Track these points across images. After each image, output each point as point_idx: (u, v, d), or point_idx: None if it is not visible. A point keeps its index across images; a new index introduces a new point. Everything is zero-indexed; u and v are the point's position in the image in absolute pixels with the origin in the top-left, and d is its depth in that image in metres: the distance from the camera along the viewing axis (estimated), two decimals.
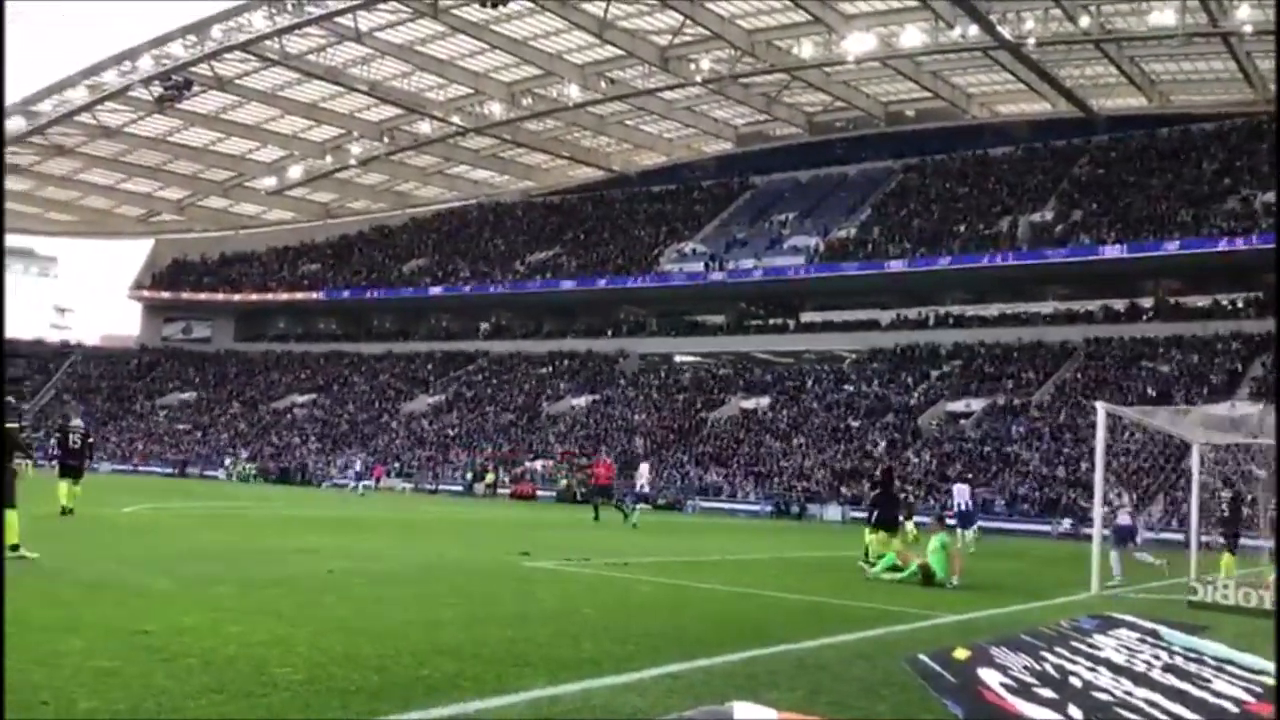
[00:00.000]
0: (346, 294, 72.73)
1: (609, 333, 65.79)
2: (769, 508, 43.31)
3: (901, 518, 14.51)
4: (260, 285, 77.19)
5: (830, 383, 53.75)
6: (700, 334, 62.68)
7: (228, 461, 57.09)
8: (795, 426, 49.85)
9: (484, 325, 73.08)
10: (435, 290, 68.97)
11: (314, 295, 73.85)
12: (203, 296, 77.67)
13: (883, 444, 46.04)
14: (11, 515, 10.15)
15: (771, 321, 62.01)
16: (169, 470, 57.58)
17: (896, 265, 53.22)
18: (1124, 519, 16.48)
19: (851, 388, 52.35)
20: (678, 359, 63.54)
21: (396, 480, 51.12)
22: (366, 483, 42.30)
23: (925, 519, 20.28)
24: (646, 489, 45.86)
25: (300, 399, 68.89)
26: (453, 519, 25.37)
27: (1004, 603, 11.39)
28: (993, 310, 54.60)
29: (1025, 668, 6.02)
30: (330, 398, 67.96)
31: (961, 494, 23.55)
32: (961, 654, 6.14)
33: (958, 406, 48.32)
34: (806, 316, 60.49)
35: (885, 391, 50.86)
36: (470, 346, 69.62)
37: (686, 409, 55.15)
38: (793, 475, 45.42)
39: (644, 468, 33.83)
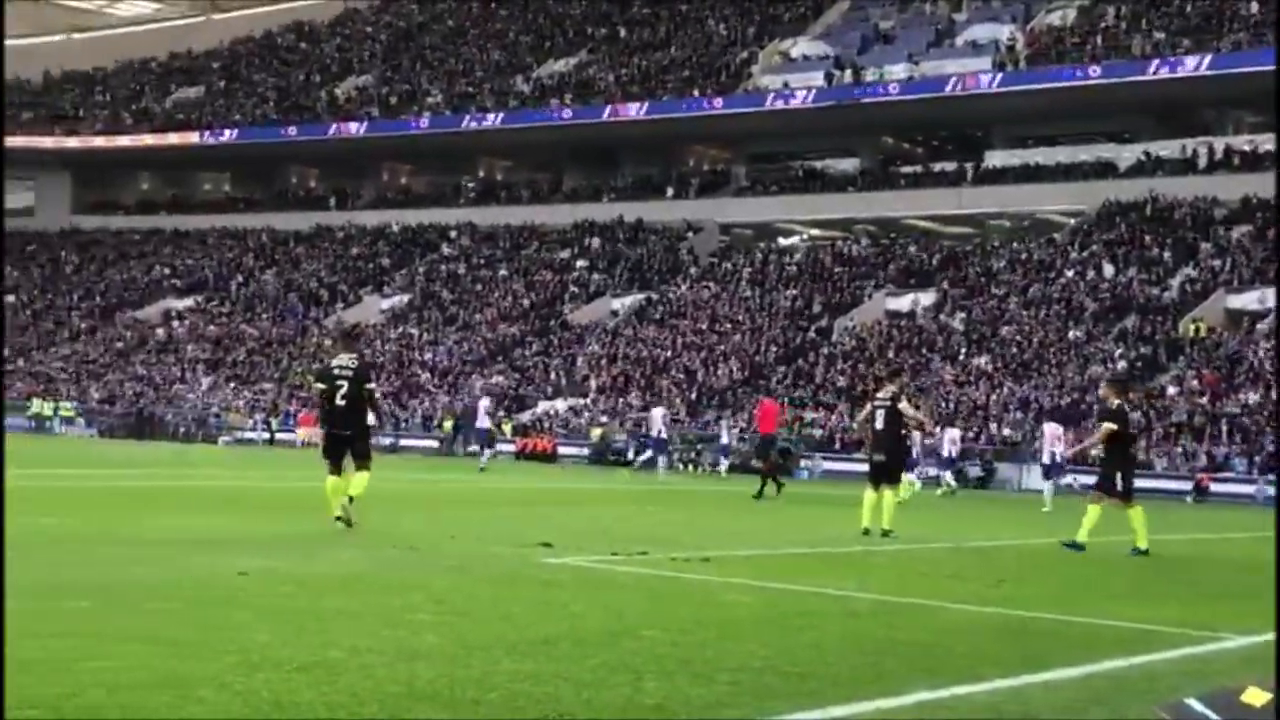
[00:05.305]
0: (244, 135, 72.97)
1: (669, 191, 65.48)
2: (933, 469, 43.33)
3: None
4: (110, 123, 77.65)
5: (1035, 266, 53.33)
6: (821, 190, 62.23)
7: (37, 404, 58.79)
8: (977, 340, 49.68)
9: (466, 183, 72.96)
10: (386, 128, 69.02)
11: (193, 138, 74.27)
12: (19, 141, 78.51)
13: (1120, 363, 45.79)
14: None
15: (938, 167, 61.32)
16: None
17: (1148, 69, 52.28)
18: None
19: (1072, 273, 51.98)
20: (783, 231, 63.09)
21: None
22: (488, 450, 39.02)
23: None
24: (727, 441, 46.54)
25: (178, 304, 69.80)
26: (423, 492, 25.76)
27: None
28: None
29: None
30: (222, 301, 68.76)
31: None
32: (1256, 697, 6.14)
33: (1244, 300, 47.79)
34: (995, 158, 59.78)
35: (1125, 278, 50.45)
36: (444, 217, 70.07)
37: (797, 314, 55.01)
38: (971, 418, 45.43)
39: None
